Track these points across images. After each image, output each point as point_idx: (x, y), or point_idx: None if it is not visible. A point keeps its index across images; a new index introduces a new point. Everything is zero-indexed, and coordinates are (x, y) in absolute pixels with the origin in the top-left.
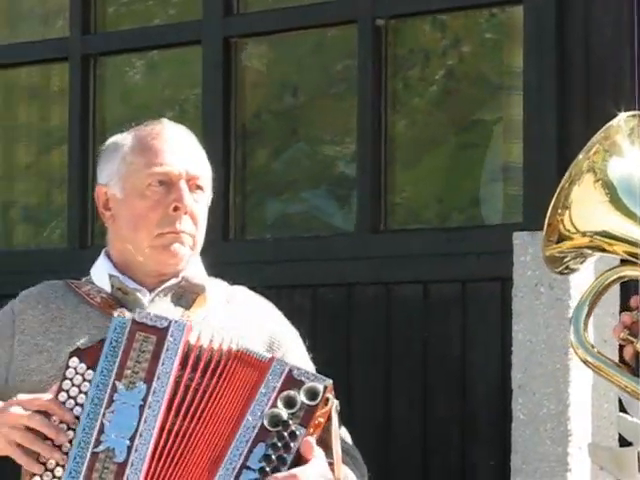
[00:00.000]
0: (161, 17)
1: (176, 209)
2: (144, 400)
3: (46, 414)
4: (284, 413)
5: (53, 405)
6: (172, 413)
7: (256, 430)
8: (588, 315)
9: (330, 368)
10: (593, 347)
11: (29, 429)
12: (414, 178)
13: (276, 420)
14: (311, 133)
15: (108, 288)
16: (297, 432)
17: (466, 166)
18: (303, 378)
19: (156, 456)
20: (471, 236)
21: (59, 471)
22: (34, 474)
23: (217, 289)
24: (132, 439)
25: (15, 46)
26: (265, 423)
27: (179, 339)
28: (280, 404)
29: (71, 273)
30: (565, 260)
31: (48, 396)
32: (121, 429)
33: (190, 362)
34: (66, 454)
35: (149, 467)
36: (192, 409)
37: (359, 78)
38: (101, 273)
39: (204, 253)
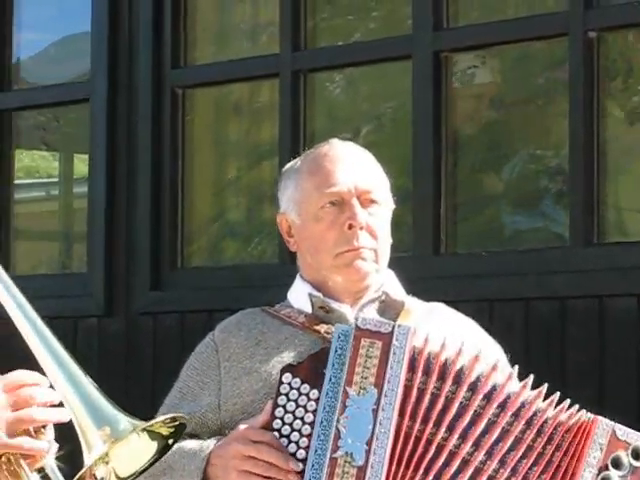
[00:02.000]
0: (362, 32)
1: (350, 227)
2: (377, 404)
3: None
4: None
5: (274, 442)
6: (407, 416)
7: None
8: None
9: (543, 382)
10: None
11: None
12: (626, 189)
13: None
14: (518, 145)
15: (309, 309)
16: None
17: None
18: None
19: (395, 459)
20: None
21: None
22: None
23: (416, 304)
24: (369, 443)
25: (224, 63)
26: None
27: (404, 343)
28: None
29: (283, 288)
30: None
31: (264, 416)
32: (357, 434)
33: (420, 365)
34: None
35: (389, 470)
36: (435, 415)
37: (570, 90)
38: (300, 295)
39: (415, 267)
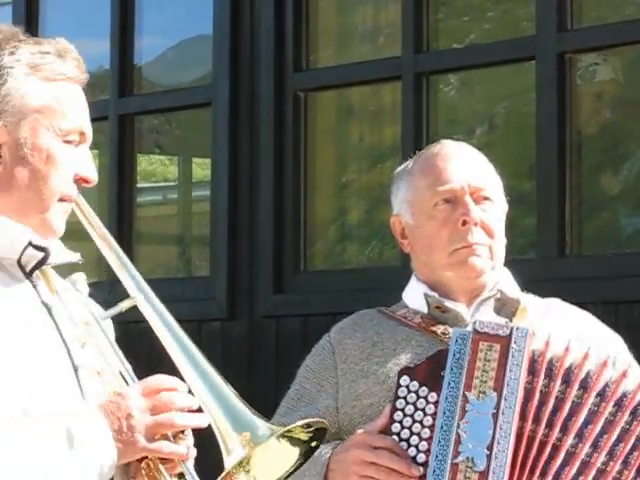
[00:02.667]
0: (476, 33)
1: (464, 223)
2: (496, 408)
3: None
4: None
5: (395, 447)
6: (529, 420)
7: None
8: None
9: None
10: None
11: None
12: None
13: None
14: (634, 147)
15: (424, 309)
16: None
17: None
18: None
19: (518, 463)
20: None
21: None
22: None
23: (532, 301)
24: (490, 447)
25: (346, 66)
26: None
27: (523, 346)
28: None
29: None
30: None
31: (382, 420)
32: (477, 438)
33: (542, 369)
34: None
35: (511, 474)
36: (560, 419)
37: None
38: (415, 295)
39: (540, 269)
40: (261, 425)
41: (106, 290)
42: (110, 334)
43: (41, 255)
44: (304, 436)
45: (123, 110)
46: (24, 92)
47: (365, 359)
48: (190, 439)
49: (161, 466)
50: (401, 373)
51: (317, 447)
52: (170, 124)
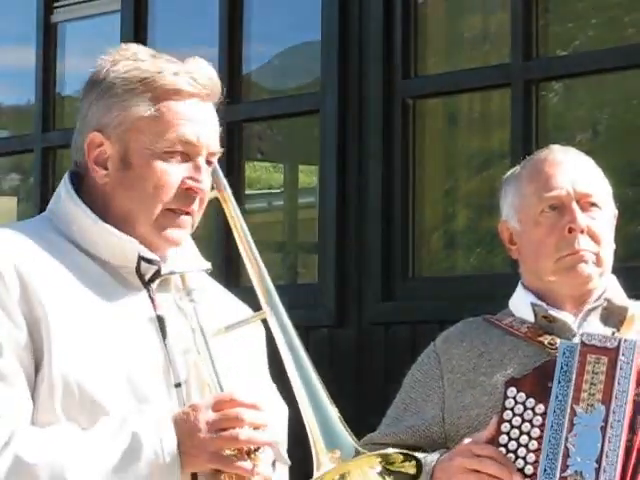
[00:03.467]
0: (581, 40)
1: (571, 230)
2: (605, 421)
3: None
4: None
5: (499, 456)
6: (638, 433)
7: None
8: None
9: None
10: None
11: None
12: None
13: None
14: None
15: (531, 317)
16: None
17: None
18: None
19: (627, 477)
20: None
21: None
22: None
23: None
24: (598, 461)
25: (455, 73)
26: None
27: (631, 358)
28: None
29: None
30: None
31: (489, 430)
32: (586, 452)
33: None
34: None
35: None
36: None
37: None
38: (522, 304)
39: None
40: (352, 446)
41: None
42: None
43: (155, 267)
44: (408, 468)
45: (231, 117)
46: (126, 106)
47: (472, 369)
48: (267, 455)
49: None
50: (508, 384)
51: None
52: (274, 130)
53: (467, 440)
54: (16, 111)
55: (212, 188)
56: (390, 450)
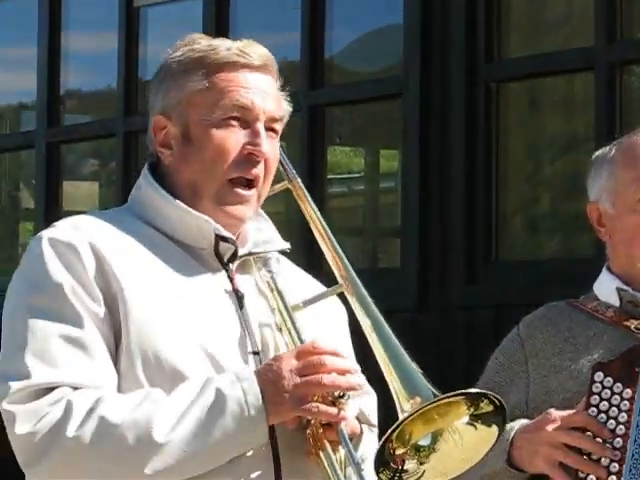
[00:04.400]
0: None
1: None
2: None
3: (582, 430)
4: None
5: (590, 421)
6: None
7: None
8: None
9: None
10: None
11: (568, 447)
12: None
13: None
14: None
15: (616, 302)
16: None
17: None
18: None
19: None
20: None
21: None
22: None
23: None
24: None
25: (538, 56)
26: None
27: None
28: None
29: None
30: None
31: (578, 412)
32: None
33: None
34: (607, 470)
35: None
36: None
37: None
38: (607, 288)
39: None
40: (429, 391)
41: None
42: (330, 316)
43: (232, 247)
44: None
45: (313, 101)
46: (181, 84)
47: (557, 354)
48: (353, 406)
49: (323, 434)
50: (595, 369)
51: (500, 433)
52: (355, 114)
53: (553, 410)
54: (96, 96)
55: (282, 179)
56: (472, 390)
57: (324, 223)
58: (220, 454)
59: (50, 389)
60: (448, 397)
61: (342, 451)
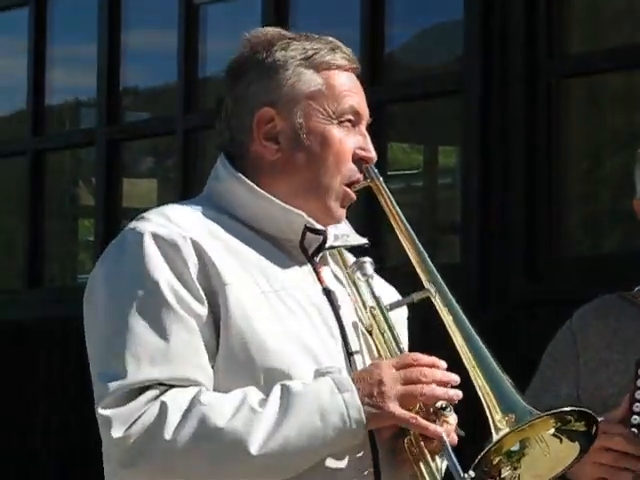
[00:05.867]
0: None
1: None
2: None
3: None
4: None
5: (629, 436)
6: None
7: None
8: None
9: None
10: None
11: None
12: None
13: None
14: None
15: None
16: None
17: None
18: None
19: None
20: None
21: None
22: None
23: None
24: None
25: (599, 52)
26: None
27: None
28: None
29: None
30: None
31: (621, 410)
32: None
33: None
34: None
35: None
36: None
37: None
38: None
39: None
40: (527, 409)
41: None
42: (399, 321)
43: (321, 239)
44: (579, 427)
45: (372, 98)
46: (295, 81)
47: (606, 347)
48: (453, 419)
49: (422, 443)
50: (639, 364)
51: (593, 441)
52: (414, 111)
53: (600, 418)
54: (155, 94)
55: (364, 178)
56: (566, 408)
57: (407, 225)
58: (315, 459)
59: (145, 388)
60: (546, 414)
61: (438, 461)
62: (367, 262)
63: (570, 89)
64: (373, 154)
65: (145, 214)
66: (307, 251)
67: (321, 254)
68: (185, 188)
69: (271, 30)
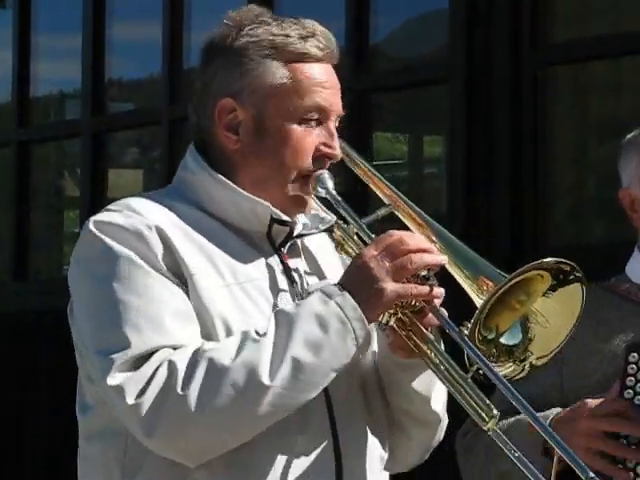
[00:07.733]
0: None
1: None
2: None
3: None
4: None
5: (625, 407)
6: None
7: None
8: None
9: None
10: None
11: (605, 433)
12: None
13: None
14: None
15: None
16: None
17: None
18: None
19: None
20: None
21: None
22: None
23: None
24: None
25: (584, 41)
26: None
27: None
28: None
29: None
30: None
31: (612, 395)
32: None
33: None
34: None
35: None
36: None
37: None
38: (638, 269)
39: None
40: (494, 270)
41: None
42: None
43: (287, 229)
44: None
45: (357, 88)
46: (259, 72)
47: (590, 335)
48: (434, 281)
49: (415, 318)
50: (629, 349)
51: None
52: (399, 100)
53: (589, 400)
54: (140, 84)
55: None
56: (544, 260)
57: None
58: (329, 374)
59: (150, 354)
60: (528, 267)
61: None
62: (325, 174)
63: (556, 78)
64: (337, 151)
65: (110, 206)
66: (275, 242)
67: (289, 244)
68: (170, 179)
69: (247, 10)
